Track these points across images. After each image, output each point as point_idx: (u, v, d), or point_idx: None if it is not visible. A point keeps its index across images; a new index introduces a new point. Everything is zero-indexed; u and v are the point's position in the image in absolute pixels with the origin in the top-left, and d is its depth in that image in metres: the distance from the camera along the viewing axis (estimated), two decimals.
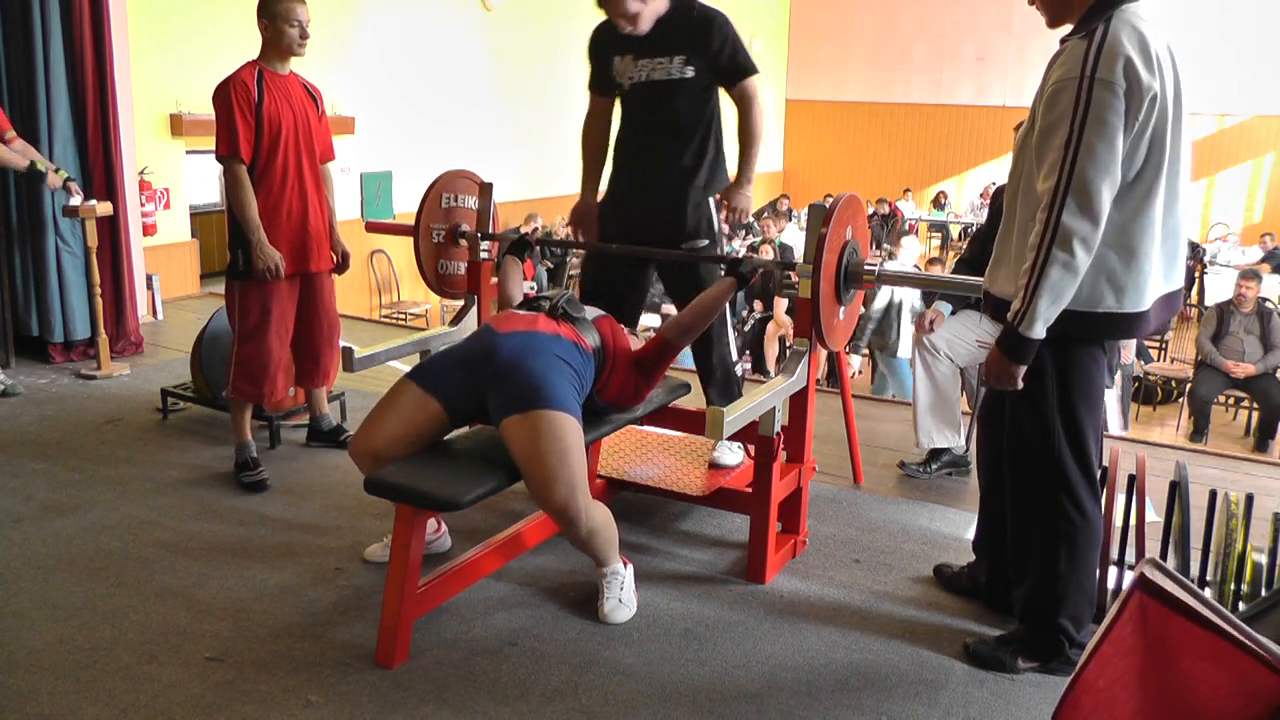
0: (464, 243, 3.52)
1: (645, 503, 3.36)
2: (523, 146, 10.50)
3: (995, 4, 15.05)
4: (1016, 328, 2.12)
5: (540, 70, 10.74)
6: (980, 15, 15.32)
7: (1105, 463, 2.47)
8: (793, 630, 2.60)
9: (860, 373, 6.88)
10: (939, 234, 15.56)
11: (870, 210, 13.33)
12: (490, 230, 3.49)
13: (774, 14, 16.99)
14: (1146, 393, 8.04)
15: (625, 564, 2.67)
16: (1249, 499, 2.46)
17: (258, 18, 3.33)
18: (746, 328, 8.49)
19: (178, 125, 6.99)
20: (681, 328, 2.80)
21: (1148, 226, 2.11)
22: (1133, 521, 2.53)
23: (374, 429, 2.47)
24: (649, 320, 8.61)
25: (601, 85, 3.15)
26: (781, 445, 2.80)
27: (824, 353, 3.36)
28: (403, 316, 8.91)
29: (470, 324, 3.43)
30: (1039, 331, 2.11)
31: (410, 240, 3.49)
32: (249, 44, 3.45)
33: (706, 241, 3.13)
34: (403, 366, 4.33)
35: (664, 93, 3.00)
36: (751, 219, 12.38)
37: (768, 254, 8.55)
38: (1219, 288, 9.93)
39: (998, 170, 15.70)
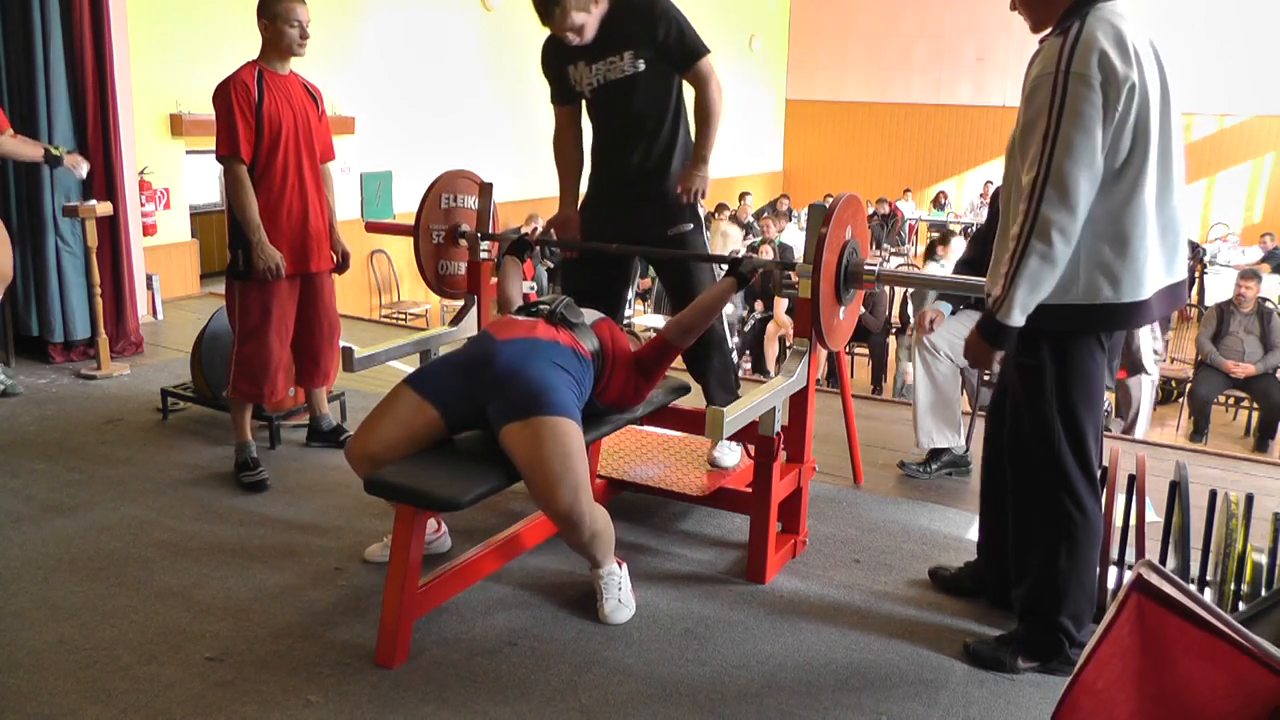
0: (464, 243, 3.52)
1: (645, 503, 3.36)
2: (523, 146, 10.50)
3: (995, 4, 14.99)
4: (995, 315, 2.17)
5: (540, 70, 10.72)
6: (980, 15, 15.31)
7: (1105, 463, 2.47)
8: (793, 630, 2.60)
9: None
10: (939, 234, 15.54)
11: (870, 210, 13.33)
12: (490, 230, 3.49)
13: (774, 14, 16.99)
14: None
15: (620, 564, 2.67)
16: (1249, 499, 2.46)
17: (258, 18, 3.33)
18: (746, 328, 8.49)
19: (178, 125, 6.99)
20: (682, 328, 2.79)
21: (1138, 216, 2.13)
22: (1133, 521, 2.53)
23: (371, 434, 2.47)
24: (652, 320, 8.62)
25: (562, 96, 3.15)
26: (781, 445, 2.80)
27: (824, 353, 3.36)
28: (403, 316, 8.91)
29: (470, 324, 3.43)
30: (1017, 319, 2.15)
31: (410, 240, 3.49)
32: (249, 44, 3.45)
33: (692, 225, 3.15)
34: (403, 366, 4.33)
35: (623, 91, 2.99)
36: (751, 218, 12.39)
37: (768, 254, 8.55)
38: (1219, 288, 9.93)
39: (998, 170, 15.68)
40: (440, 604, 2.56)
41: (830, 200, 2.85)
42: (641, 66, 2.95)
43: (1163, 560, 2.65)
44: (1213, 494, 2.68)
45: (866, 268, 2.92)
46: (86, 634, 2.48)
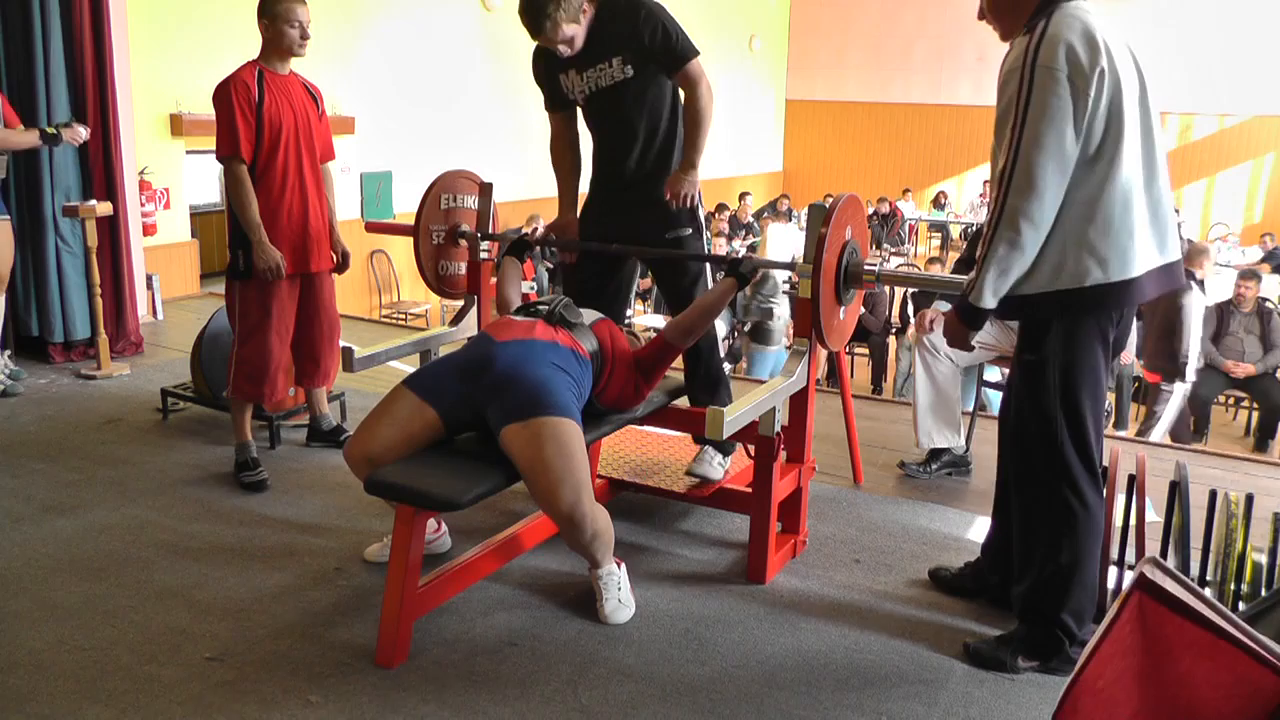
0: (464, 243, 3.52)
1: (645, 503, 3.36)
2: (523, 146, 10.49)
3: None
4: (968, 297, 2.27)
5: (532, 78, 10.71)
6: None
7: (1105, 462, 2.47)
8: (793, 630, 2.60)
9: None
10: (939, 234, 15.56)
11: (870, 210, 13.32)
12: (490, 230, 3.49)
13: (774, 14, 16.99)
14: (1147, 393, 8.03)
15: (619, 564, 2.67)
16: (1249, 499, 2.46)
17: (258, 18, 3.33)
18: (747, 328, 8.48)
19: (178, 125, 6.99)
20: (682, 329, 2.79)
21: (1119, 196, 2.17)
22: (1133, 521, 2.53)
23: (370, 435, 2.47)
24: (652, 320, 8.62)
25: (557, 103, 3.12)
26: (781, 445, 2.80)
27: (824, 352, 3.36)
28: (403, 316, 8.91)
29: (470, 324, 3.43)
30: (988, 302, 2.24)
31: (410, 240, 3.49)
32: (249, 44, 3.45)
33: (690, 230, 3.10)
34: (403, 366, 4.33)
35: (616, 97, 2.96)
36: (751, 218, 12.39)
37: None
38: (1219, 288, 9.92)
39: None
40: (440, 604, 2.56)
41: (830, 200, 2.85)
42: (630, 72, 2.91)
43: (1162, 560, 2.64)
44: (1213, 494, 2.67)
45: (866, 268, 2.92)
46: (86, 634, 2.48)
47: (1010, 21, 2.28)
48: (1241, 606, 2.36)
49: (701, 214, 3.14)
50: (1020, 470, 2.42)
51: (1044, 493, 2.35)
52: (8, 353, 4.73)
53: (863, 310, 6.99)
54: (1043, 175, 2.11)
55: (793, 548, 3.01)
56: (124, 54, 5.56)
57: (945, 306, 3.68)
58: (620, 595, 2.63)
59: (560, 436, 2.35)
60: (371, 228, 4.46)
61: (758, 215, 12.64)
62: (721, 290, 2.83)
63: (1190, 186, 15.42)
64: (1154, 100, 2.23)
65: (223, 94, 3.29)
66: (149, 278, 6.06)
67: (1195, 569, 2.52)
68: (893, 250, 13.42)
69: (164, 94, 6.89)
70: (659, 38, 2.87)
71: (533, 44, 3.06)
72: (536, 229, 3.30)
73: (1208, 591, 2.51)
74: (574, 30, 2.80)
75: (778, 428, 2.75)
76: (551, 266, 9.19)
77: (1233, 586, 2.39)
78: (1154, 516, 3.04)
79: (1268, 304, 6.97)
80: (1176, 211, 13.45)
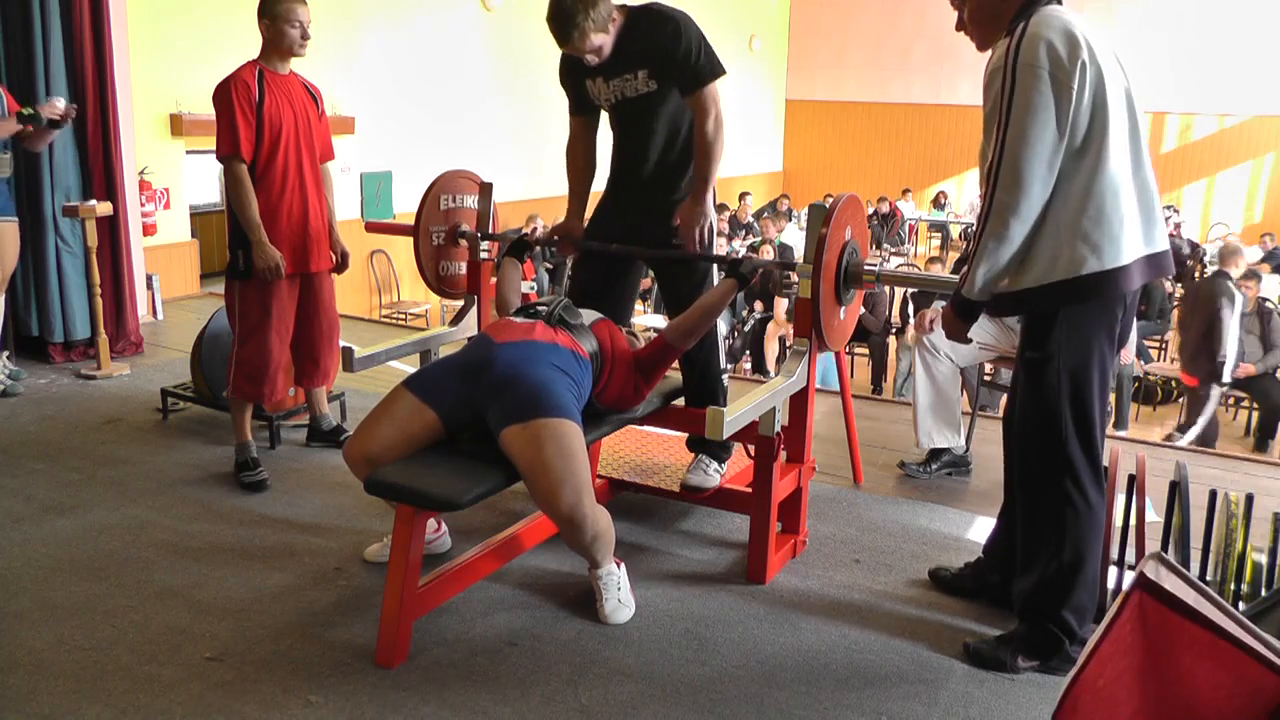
0: (464, 243, 3.52)
1: (645, 503, 3.36)
2: (523, 146, 10.51)
3: None
4: (960, 290, 2.34)
5: (540, 70, 10.72)
6: None
7: (1106, 462, 2.47)
8: (793, 630, 2.60)
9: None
10: (939, 234, 15.56)
11: (870, 210, 13.33)
12: (490, 230, 3.49)
13: (774, 14, 17.00)
14: (1146, 393, 8.04)
15: (619, 564, 2.67)
16: (1249, 499, 2.46)
17: (259, 18, 3.33)
18: (746, 328, 8.49)
19: (178, 125, 6.99)
20: (682, 331, 2.79)
21: (1108, 184, 2.21)
22: (1133, 521, 2.53)
23: (369, 435, 2.47)
24: (652, 320, 8.62)
25: (581, 108, 3.08)
26: (781, 445, 2.80)
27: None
28: (403, 316, 8.91)
29: (470, 324, 3.43)
30: (980, 295, 2.31)
31: (410, 240, 3.49)
32: (249, 44, 3.45)
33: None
34: (403, 366, 4.33)
35: (640, 108, 2.93)
36: (751, 218, 12.38)
37: (768, 254, 8.55)
38: None
39: None
40: (440, 604, 2.56)
41: (830, 200, 2.85)
42: (654, 86, 2.88)
43: None
44: (1213, 494, 2.67)
45: (866, 268, 2.92)
46: (86, 634, 2.48)
47: (989, 30, 2.34)
48: (1241, 606, 2.36)
49: (714, 228, 3.09)
50: (1024, 467, 2.44)
51: (1047, 489, 2.36)
52: (6, 353, 4.73)
53: (863, 310, 6.99)
54: (1028, 170, 2.16)
55: (793, 548, 3.01)
56: (124, 54, 5.56)
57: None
58: (620, 595, 2.63)
59: (560, 437, 2.35)
60: (371, 228, 4.46)
61: (758, 215, 12.63)
62: (722, 291, 2.83)
63: (1190, 186, 15.42)
64: (1137, 94, 2.28)
65: (223, 93, 3.29)
66: (149, 278, 6.06)
67: (1195, 569, 2.52)
68: (893, 250, 13.42)
69: (164, 94, 6.89)
70: (682, 53, 2.80)
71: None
72: (535, 229, 3.29)
73: (1210, 590, 2.51)
74: (602, 40, 2.76)
75: (778, 428, 2.75)
76: (552, 267, 9.19)
77: (1233, 586, 2.39)
78: (1154, 516, 3.04)
79: (1268, 304, 6.97)
80: (1175, 210, 13.33)
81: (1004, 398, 5.00)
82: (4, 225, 4.34)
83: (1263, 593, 2.34)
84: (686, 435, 3.25)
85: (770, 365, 8.11)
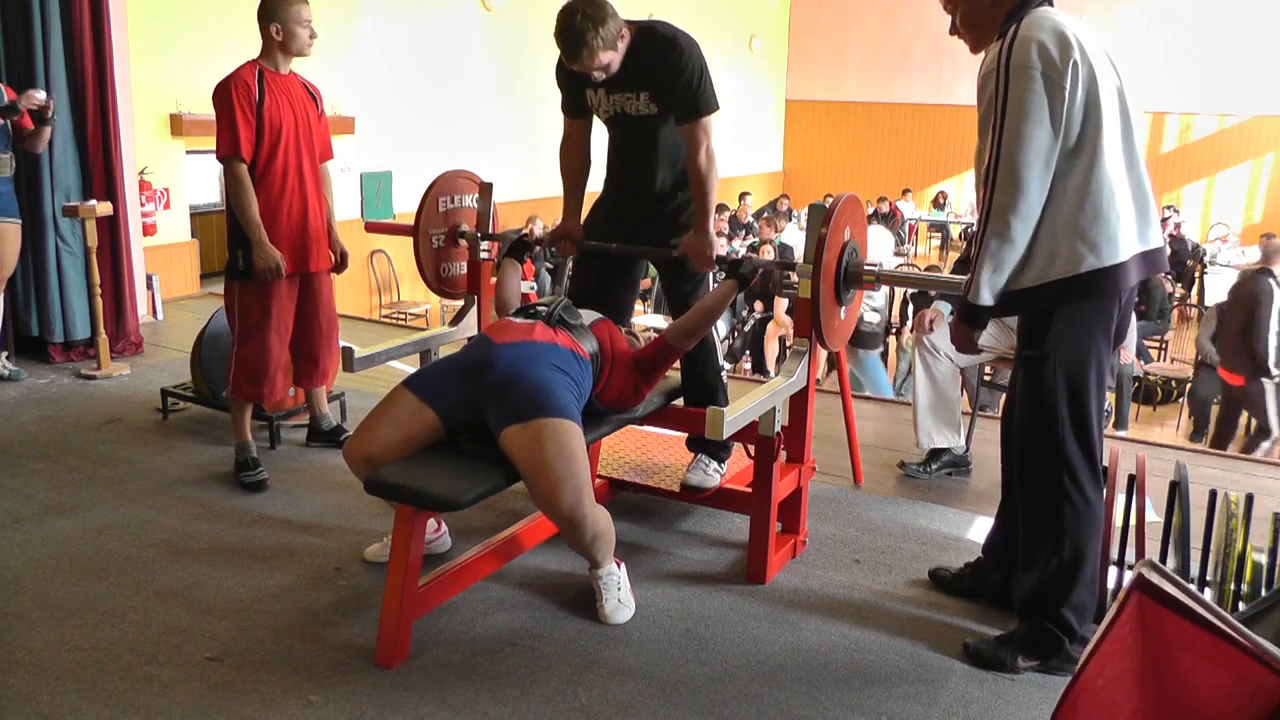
0: (464, 243, 3.52)
1: (645, 503, 3.36)
2: (523, 146, 10.51)
3: None
4: (965, 296, 2.31)
5: (540, 70, 10.71)
6: None
7: (1105, 462, 2.48)
8: (793, 630, 2.60)
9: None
10: (939, 234, 15.57)
11: (870, 210, 13.32)
12: (490, 230, 3.49)
13: (774, 14, 17.00)
14: (1146, 393, 8.04)
15: (619, 564, 2.67)
16: (1249, 499, 2.46)
17: (266, 22, 3.31)
18: (746, 328, 8.49)
19: (178, 125, 6.99)
20: (683, 331, 2.79)
21: (1104, 182, 2.21)
22: (1133, 521, 2.53)
23: (369, 435, 2.47)
24: (652, 320, 8.62)
25: (575, 109, 3.06)
26: (781, 445, 2.80)
27: (824, 352, 3.36)
28: (403, 316, 8.91)
29: (470, 324, 3.43)
30: (985, 298, 2.28)
31: (410, 240, 3.48)
32: (249, 44, 3.45)
33: None
34: (403, 366, 4.33)
35: (639, 127, 2.92)
36: (751, 218, 12.39)
37: (768, 254, 8.56)
38: (1219, 288, 9.93)
39: None
40: (440, 604, 2.56)
41: (830, 200, 2.85)
42: (655, 110, 2.88)
43: (1163, 560, 2.65)
44: (1213, 494, 2.67)
45: (866, 268, 2.92)
46: (86, 634, 2.48)
47: (982, 33, 2.35)
48: (1242, 606, 2.36)
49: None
50: (1022, 465, 2.44)
51: (1045, 487, 2.37)
52: (6, 353, 4.74)
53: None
54: (1025, 170, 2.16)
55: (793, 548, 3.01)
56: (124, 54, 5.56)
57: (945, 306, 3.69)
58: (620, 595, 2.63)
59: (560, 438, 2.35)
60: (371, 228, 4.46)
61: (758, 215, 12.63)
62: (723, 292, 2.83)
63: (1190, 186, 15.42)
64: (1137, 94, 2.31)
65: (223, 93, 3.29)
66: (149, 278, 6.06)
67: (1195, 569, 2.52)
68: (892, 250, 13.41)
69: (164, 94, 6.89)
70: (684, 81, 2.79)
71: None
72: (534, 230, 3.28)
73: (1208, 591, 2.51)
74: (610, 57, 2.74)
75: (778, 428, 2.75)
76: (552, 267, 9.19)
77: (1233, 586, 2.39)
78: (1154, 516, 3.04)
79: None
80: (1175, 210, 13.32)
81: (1003, 397, 5.00)
82: (5, 226, 4.34)
83: (1263, 593, 2.34)
84: (686, 435, 3.25)
85: (770, 365, 8.11)
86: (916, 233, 15.51)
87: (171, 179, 7.06)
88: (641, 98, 2.87)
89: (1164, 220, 11.94)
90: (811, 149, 17.71)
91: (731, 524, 3.21)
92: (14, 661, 2.35)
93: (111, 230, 5.06)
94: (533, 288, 8.74)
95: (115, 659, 2.38)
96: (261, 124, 3.31)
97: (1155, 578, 1.15)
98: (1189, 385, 7.35)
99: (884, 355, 8.10)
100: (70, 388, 4.61)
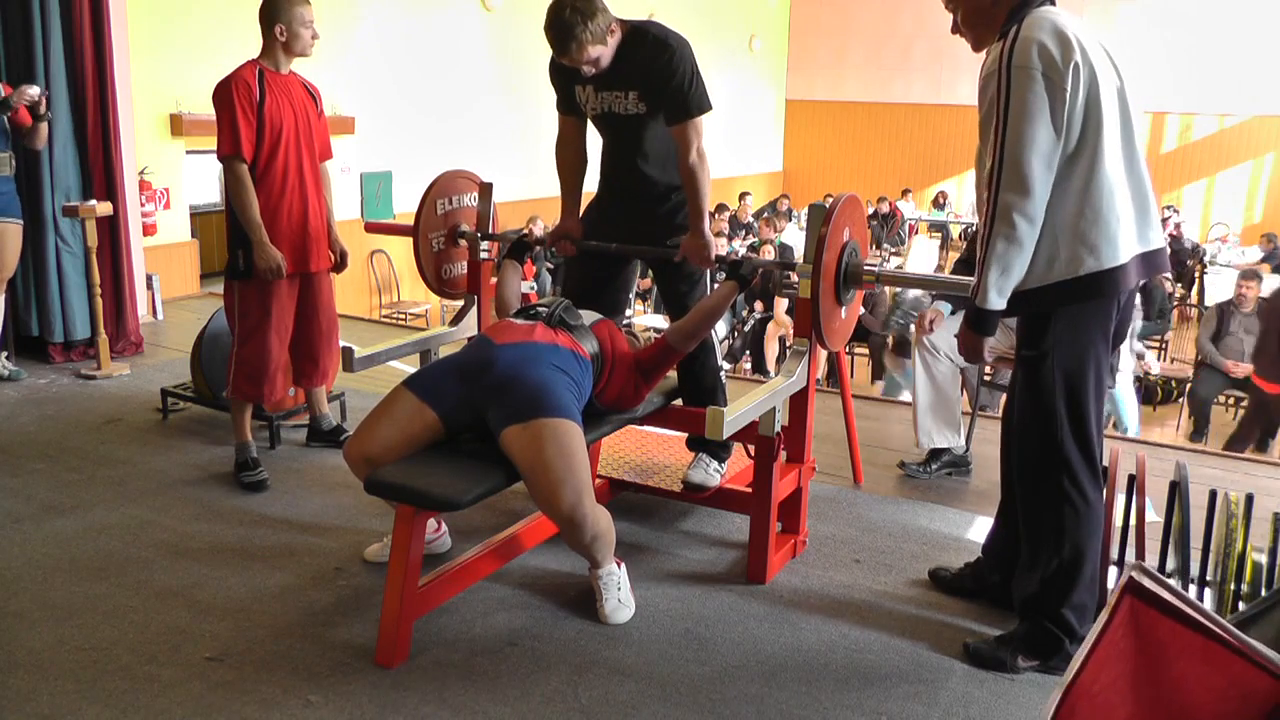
0: (464, 243, 3.52)
1: (645, 503, 3.36)
2: (523, 146, 10.50)
3: None
4: (974, 301, 2.28)
5: (540, 70, 10.67)
6: None
7: (1105, 462, 2.48)
8: (793, 630, 2.60)
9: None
10: (939, 234, 15.56)
11: (870, 210, 13.32)
12: (490, 231, 3.49)
13: (774, 14, 16.99)
14: (1146, 393, 8.03)
15: (619, 564, 2.67)
16: (1249, 499, 2.46)
17: (269, 23, 3.31)
18: (746, 328, 8.49)
19: (178, 125, 6.99)
20: (684, 334, 2.79)
21: (1104, 184, 2.21)
22: (1133, 521, 2.53)
23: (369, 435, 2.47)
24: (651, 320, 8.62)
25: (570, 108, 3.06)
26: (781, 445, 2.80)
27: (824, 352, 3.36)
28: (403, 316, 8.91)
29: (470, 323, 3.43)
30: (994, 302, 2.25)
31: (410, 240, 3.48)
32: (249, 44, 3.45)
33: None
34: (403, 366, 4.33)
35: (629, 126, 2.92)
36: (751, 218, 12.38)
37: (768, 254, 8.56)
38: (1219, 288, 9.93)
39: None
40: (440, 604, 2.56)
41: (830, 200, 2.85)
42: (644, 109, 2.88)
43: (1163, 560, 2.65)
44: (1213, 494, 2.68)
45: (866, 268, 2.92)
46: (86, 634, 2.48)
47: (983, 32, 2.34)
48: (1242, 606, 2.36)
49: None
50: (1022, 466, 2.44)
51: (1044, 487, 2.37)
52: (5, 353, 4.74)
53: (862, 310, 6.99)
54: (1030, 170, 2.16)
55: (793, 548, 3.01)
56: (124, 54, 5.56)
57: (945, 306, 3.69)
58: (620, 595, 2.63)
59: (560, 438, 2.36)
60: (371, 228, 4.46)
61: (757, 215, 12.63)
62: (723, 294, 2.83)
63: (1190, 186, 15.41)
64: (1132, 94, 2.27)
65: (224, 93, 3.29)
66: (149, 278, 6.06)
67: (1195, 569, 2.52)
68: (893, 250, 13.41)
69: (164, 94, 6.89)
70: (675, 84, 2.79)
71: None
72: (533, 230, 3.27)
73: (1207, 592, 2.51)
74: (599, 51, 2.74)
75: (778, 428, 2.75)
76: (552, 267, 9.19)
77: (1233, 586, 2.39)
78: (1154, 516, 3.04)
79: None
80: (1175, 210, 13.28)
81: (1003, 397, 5.00)
82: (6, 226, 4.34)
83: (1263, 593, 2.34)
84: (686, 435, 3.25)
85: (770, 365, 8.11)
86: (916, 233, 15.49)
87: (171, 179, 7.06)
88: (630, 97, 2.87)
89: (1164, 220, 11.93)
90: (811, 149, 17.70)
91: (731, 524, 3.22)
92: (14, 661, 2.35)
93: (111, 230, 5.06)
94: (533, 288, 8.73)
95: (115, 659, 2.38)
96: (262, 124, 3.31)
97: (1146, 581, 1.15)
98: (1189, 385, 7.35)
99: (883, 355, 8.11)
100: (70, 388, 4.61)
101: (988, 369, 4.24)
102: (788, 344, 4.44)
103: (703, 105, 2.84)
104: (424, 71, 9.47)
